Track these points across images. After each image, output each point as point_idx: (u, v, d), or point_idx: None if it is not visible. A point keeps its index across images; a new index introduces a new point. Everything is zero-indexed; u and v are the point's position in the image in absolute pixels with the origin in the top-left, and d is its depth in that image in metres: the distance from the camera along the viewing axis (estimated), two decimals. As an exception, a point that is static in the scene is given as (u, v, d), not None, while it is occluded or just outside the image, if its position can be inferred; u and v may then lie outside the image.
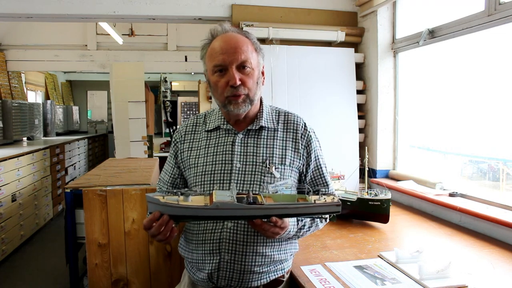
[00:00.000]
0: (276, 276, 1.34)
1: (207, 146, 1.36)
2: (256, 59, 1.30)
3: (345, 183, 2.29)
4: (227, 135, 1.36)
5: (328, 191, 1.40)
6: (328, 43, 2.88)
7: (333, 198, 1.14)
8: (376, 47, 2.74)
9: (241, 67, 1.26)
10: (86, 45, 5.73)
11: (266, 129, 1.36)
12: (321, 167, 1.40)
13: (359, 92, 2.86)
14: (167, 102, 7.92)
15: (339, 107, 2.76)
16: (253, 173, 1.29)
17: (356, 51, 2.88)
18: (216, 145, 1.35)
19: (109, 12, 2.76)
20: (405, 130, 2.75)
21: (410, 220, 2.12)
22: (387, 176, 2.78)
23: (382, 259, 1.53)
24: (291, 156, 1.34)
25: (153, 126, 6.15)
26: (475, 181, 2.35)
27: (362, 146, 2.75)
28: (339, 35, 2.82)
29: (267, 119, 1.37)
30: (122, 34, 5.61)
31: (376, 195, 1.96)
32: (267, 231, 1.13)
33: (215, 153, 1.33)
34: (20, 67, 5.59)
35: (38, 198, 4.54)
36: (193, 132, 1.42)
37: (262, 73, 1.36)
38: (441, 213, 2.13)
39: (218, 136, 1.37)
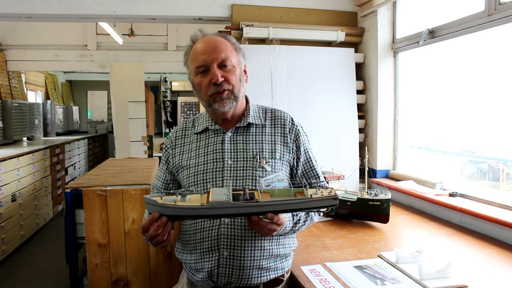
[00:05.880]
0: (276, 275, 1.34)
1: (197, 147, 1.39)
2: (236, 57, 1.34)
3: (345, 183, 2.29)
4: (216, 135, 1.39)
5: (319, 182, 1.42)
6: (328, 43, 2.88)
7: (330, 192, 1.13)
8: (376, 47, 2.74)
9: (222, 65, 1.30)
10: (86, 45, 5.74)
11: (254, 125, 1.39)
12: (311, 160, 1.43)
13: (359, 92, 2.86)
14: (167, 102, 7.92)
15: (339, 107, 2.76)
16: (245, 168, 1.31)
17: (356, 51, 2.88)
18: (206, 145, 1.38)
19: (109, 12, 2.76)
20: (405, 130, 2.75)
21: (410, 220, 2.12)
22: (387, 176, 2.78)
23: (382, 259, 1.53)
24: (280, 150, 1.36)
25: (153, 126, 6.15)
26: (475, 181, 2.35)
27: (362, 146, 2.75)
28: (339, 35, 2.82)
29: (254, 116, 1.40)
30: (122, 34, 5.61)
31: (376, 195, 1.96)
32: (264, 228, 1.14)
33: (205, 153, 1.36)
34: (20, 67, 5.59)
35: (38, 198, 4.54)
36: (183, 137, 1.45)
37: (245, 71, 1.39)
38: (441, 213, 2.13)
39: (207, 137, 1.40)
